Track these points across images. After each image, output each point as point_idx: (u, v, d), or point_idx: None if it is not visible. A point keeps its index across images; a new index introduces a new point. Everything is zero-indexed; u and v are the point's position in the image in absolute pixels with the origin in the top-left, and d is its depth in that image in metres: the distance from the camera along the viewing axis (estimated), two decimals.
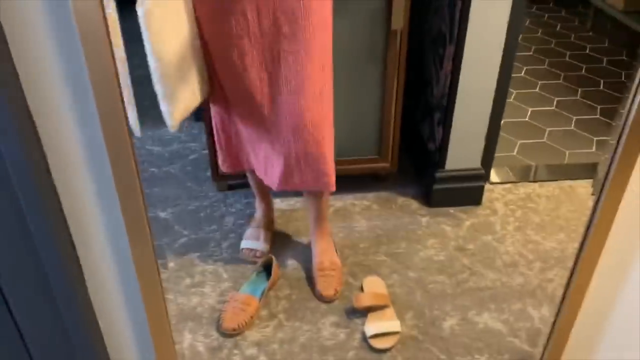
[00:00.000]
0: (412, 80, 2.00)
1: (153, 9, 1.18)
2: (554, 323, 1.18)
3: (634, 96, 0.88)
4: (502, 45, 1.67)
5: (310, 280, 1.67)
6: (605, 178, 0.97)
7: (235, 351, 1.48)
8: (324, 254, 1.68)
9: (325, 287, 1.61)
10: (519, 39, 1.72)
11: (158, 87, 1.27)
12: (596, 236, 1.02)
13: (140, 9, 1.17)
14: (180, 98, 1.32)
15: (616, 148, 0.92)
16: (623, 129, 0.91)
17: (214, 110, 1.55)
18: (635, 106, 0.88)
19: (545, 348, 1.24)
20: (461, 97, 1.75)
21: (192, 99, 1.38)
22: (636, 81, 0.86)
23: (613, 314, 1.11)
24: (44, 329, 0.86)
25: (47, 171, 0.75)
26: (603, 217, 1.00)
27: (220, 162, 1.65)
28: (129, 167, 0.78)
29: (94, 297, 0.90)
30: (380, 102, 1.82)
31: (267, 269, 1.66)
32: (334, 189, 1.52)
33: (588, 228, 1.01)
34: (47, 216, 0.75)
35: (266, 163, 1.53)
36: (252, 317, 1.54)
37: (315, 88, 1.37)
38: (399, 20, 1.64)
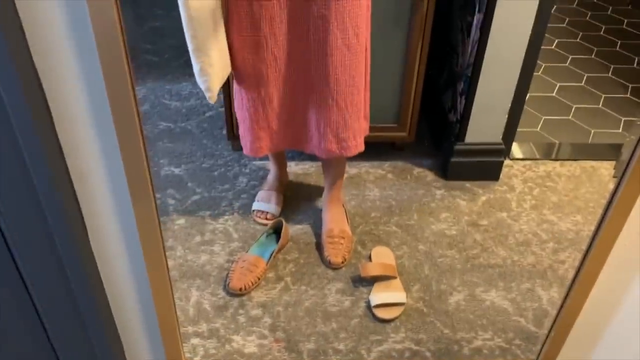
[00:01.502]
0: (437, 49, 1.93)
1: None
2: (561, 306, 1.16)
3: None
4: (533, 16, 1.60)
5: (319, 246, 1.67)
6: (629, 161, 0.93)
7: (241, 311, 1.50)
8: (335, 222, 1.68)
9: (334, 254, 1.61)
10: (553, 9, 1.64)
11: (195, 58, 1.25)
12: (613, 221, 0.98)
13: None
14: (216, 69, 1.29)
15: None
16: None
17: (242, 94, 1.46)
18: None
19: (550, 330, 1.23)
20: (487, 67, 1.69)
21: (225, 69, 1.35)
22: None
23: (623, 303, 1.08)
24: (49, 280, 0.87)
25: (52, 125, 0.74)
26: (622, 201, 0.96)
27: (254, 145, 1.53)
28: (132, 124, 0.76)
29: (96, 252, 0.90)
30: (402, 69, 1.77)
31: (277, 231, 1.66)
32: (351, 154, 1.50)
33: (606, 211, 0.98)
34: (52, 173, 0.74)
35: (289, 129, 1.50)
36: (259, 279, 1.55)
37: (344, 56, 1.34)
38: None
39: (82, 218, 0.84)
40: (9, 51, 0.66)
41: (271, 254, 1.60)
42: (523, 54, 1.67)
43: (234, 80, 1.46)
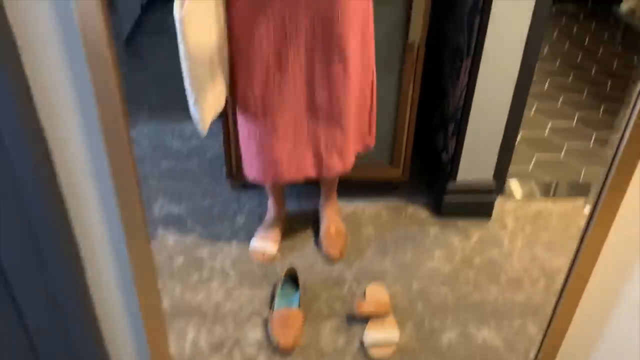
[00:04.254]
0: (429, 92, 2.00)
1: (189, 17, 1.22)
2: (542, 341, 1.19)
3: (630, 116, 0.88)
4: (519, 61, 1.67)
5: (316, 289, 1.70)
6: (599, 194, 0.97)
7: (236, 350, 1.52)
8: (332, 222, 1.85)
9: (332, 248, 1.78)
10: (545, 50, 1.71)
11: (190, 91, 1.32)
12: (587, 254, 1.02)
13: (177, 15, 1.21)
14: (210, 103, 1.37)
15: (610, 166, 0.92)
16: (621, 140, 0.91)
17: (242, 121, 1.55)
18: (632, 120, 0.88)
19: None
20: (475, 110, 1.76)
21: (219, 104, 1.44)
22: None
23: (603, 335, 1.11)
24: (31, 281, 0.88)
25: (39, 126, 0.78)
26: (595, 235, 1.00)
27: (251, 171, 1.62)
28: (127, 169, 0.81)
29: (84, 254, 0.93)
30: (394, 111, 1.84)
31: (290, 276, 1.68)
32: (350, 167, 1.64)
33: (580, 246, 1.02)
34: (39, 175, 0.78)
35: (293, 158, 1.57)
36: (301, 328, 1.55)
37: (348, 85, 1.46)
38: (417, 32, 1.65)
39: (80, 260, 0.89)
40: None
41: (299, 300, 1.61)
42: (510, 97, 1.74)
43: (238, 112, 1.53)
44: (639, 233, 0.99)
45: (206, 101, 1.36)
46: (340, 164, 1.59)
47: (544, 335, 1.16)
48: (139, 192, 0.87)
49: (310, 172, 1.60)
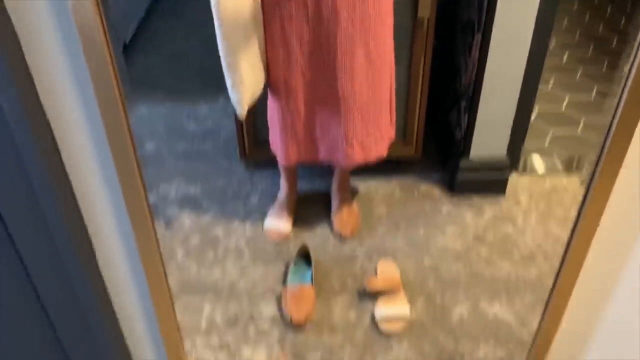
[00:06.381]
0: (442, 69, 1.99)
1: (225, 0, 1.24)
2: (544, 312, 1.20)
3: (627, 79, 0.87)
4: (531, 34, 1.64)
5: (328, 266, 1.72)
6: (595, 167, 0.97)
7: (251, 325, 1.56)
8: (344, 202, 1.87)
9: (344, 228, 1.80)
10: (564, 22, 1.66)
11: (228, 75, 1.34)
12: (585, 229, 1.02)
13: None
14: (246, 85, 1.39)
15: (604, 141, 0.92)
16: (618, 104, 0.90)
17: (273, 104, 1.59)
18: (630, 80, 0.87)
19: (535, 336, 1.27)
20: (487, 85, 1.74)
21: (257, 86, 1.46)
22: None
23: (604, 312, 1.11)
24: (43, 258, 0.93)
25: (41, 108, 0.81)
26: (591, 209, 1.00)
27: (275, 148, 1.68)
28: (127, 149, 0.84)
29: (91, 231, 0.96)
30: (406, 88, 1.83)
31: (302, 255, 1.71)
32: (372, 159, 1.65)
33: (576, 222, 1.02)
34: (44, 157, 0.81)
35: (312, 143, 1.62)
36: (314, 303, 1.58)
37: (368, 72, 1.47)
38: (426, 8, 1.64)
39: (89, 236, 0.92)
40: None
41: (311, 276, 1.64)
42: (522, 71, 1.71)
43: (269, 90, 1.57)
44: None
45: (242, 84, 1.37)
46: (361, 154, 1.59)
47: (545, 309, 1.17)
48: (137, 158, 0.88)
49: (328, 159, 1.64)
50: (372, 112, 1.55)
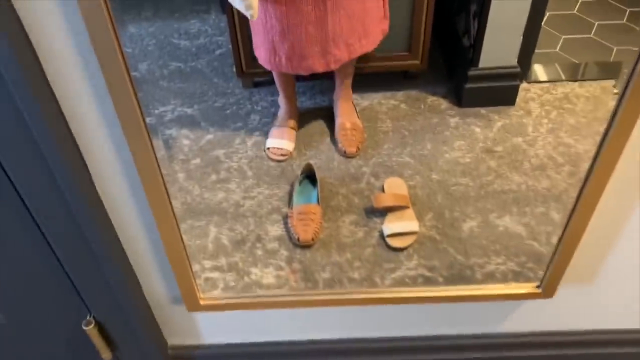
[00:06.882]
0: None
1: None
2: (566, 225, 1.17)
3: None
4: None
5: (333, 184, 1.68)
6: (631, 74, 0.90)
7: (258, 245, 1.54)
8: (346, 116, 1.78)
9: (348, 144, 1.72)
10: None
11: None
12: (615, 140, 0.97)
13: None
14: None
15: None
16: None
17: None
18: None
19: (555, 248, 1.24)
20: None
21: None
22: None
23: (627, 223, 1.08)
24: (65, 232, 0.90)
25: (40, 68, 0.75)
26: (624, 119, 0.94)
27: (258, 53, 1.65)
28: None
29: (103, 197, 0.93)
30: None
31: (307, 175, 1.67)
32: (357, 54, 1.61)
33: (607, 131, 0.96)
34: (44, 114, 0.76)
35: (297, 50, 1.56)
36: (321, 223, 1.56)
37: None
38: None
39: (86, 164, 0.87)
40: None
41: (317, 196, 1.61)
42: None
43: None
44: None
45: None
46: (345, 52, 1.53)
47: (567, 221, 1.14)
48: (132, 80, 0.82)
49: (317, 66, 1.56)
50: (358, 9, 1.48)
